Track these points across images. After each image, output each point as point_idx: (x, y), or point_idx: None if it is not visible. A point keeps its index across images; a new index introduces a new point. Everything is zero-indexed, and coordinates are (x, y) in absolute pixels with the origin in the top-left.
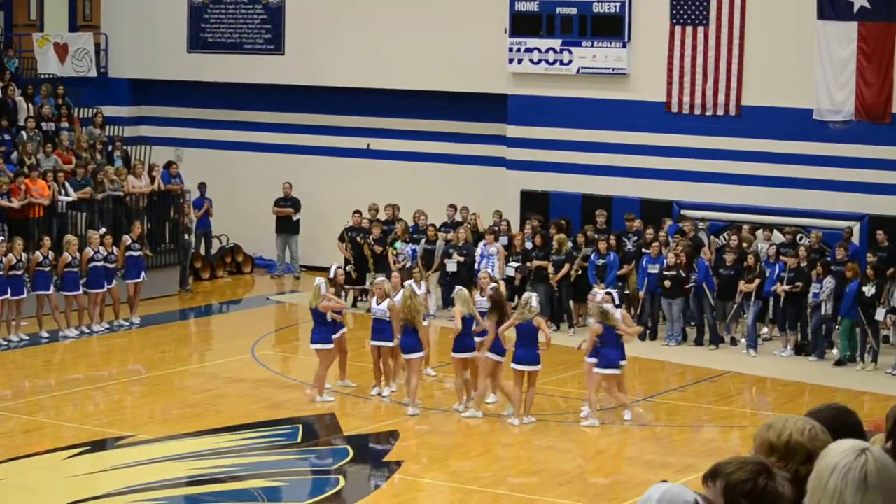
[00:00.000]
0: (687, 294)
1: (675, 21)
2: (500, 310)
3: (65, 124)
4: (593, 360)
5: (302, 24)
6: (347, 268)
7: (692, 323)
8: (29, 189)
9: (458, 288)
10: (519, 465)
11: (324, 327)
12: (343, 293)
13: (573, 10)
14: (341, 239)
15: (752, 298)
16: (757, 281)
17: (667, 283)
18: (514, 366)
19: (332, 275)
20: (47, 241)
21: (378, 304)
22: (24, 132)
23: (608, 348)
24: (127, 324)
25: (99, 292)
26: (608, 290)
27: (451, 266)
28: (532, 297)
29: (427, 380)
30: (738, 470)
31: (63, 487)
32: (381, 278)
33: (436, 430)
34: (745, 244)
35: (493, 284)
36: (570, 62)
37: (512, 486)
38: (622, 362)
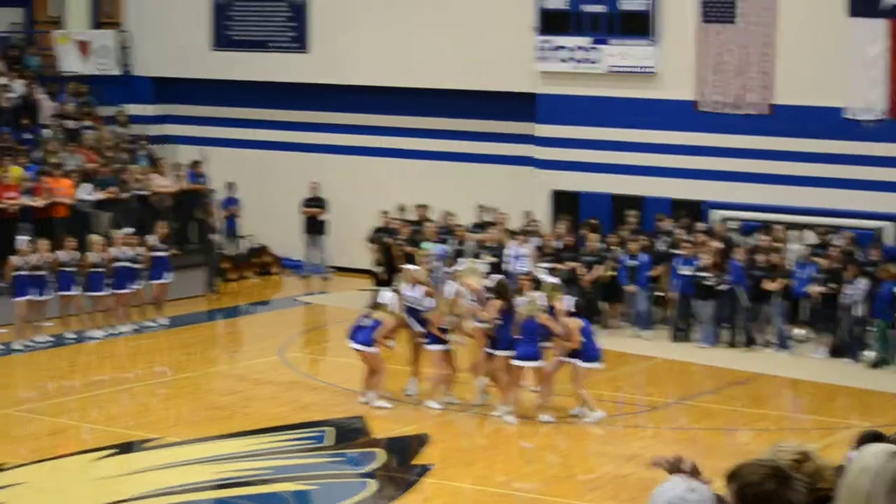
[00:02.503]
0: (720, 295)
1: (703, 18)
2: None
3: (88, 123)
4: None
5: (327, 22)
6: (377, 269)
7: (725, 325)
8: (52, 188)
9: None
10: (551, 468)
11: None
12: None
13: (601, 8)
14: (371, 239)
15: (779, 298)
16: (782, 280)
17: (706, 282)
18: (515, 362)
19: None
20: (71, 240)
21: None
22: (47, 130)
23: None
24: (153, 325)
25: (125, 293)
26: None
27: (483, 267)
28: (537, 297)
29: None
30: (751, 473)
31: (90, 490)
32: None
33: (466, 432)
34: (777, 244)
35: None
36: (598, 60)
37: (544, 490)
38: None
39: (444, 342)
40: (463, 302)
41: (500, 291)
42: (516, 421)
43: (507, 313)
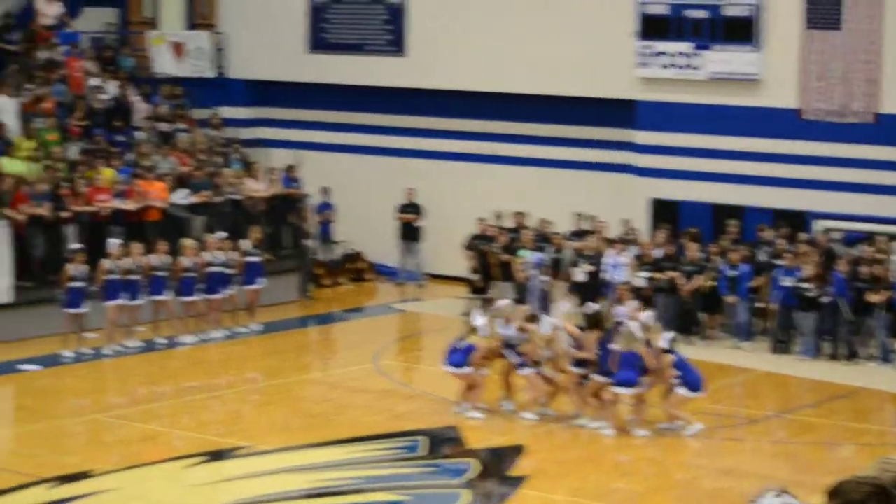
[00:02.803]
0: (822, 307)
1: (808, 25)
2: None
3: (181, 125)
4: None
5: (425, 26)
6: (473, 277)
7: (826, 337)
8: (145, 191)
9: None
10: (647, 480)
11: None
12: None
13: (704, 14)
14: (467, 247)
15: (883, 310)
16: (886, 292)
17: (808, 293)
18: (614, 389)
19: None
20: (163, 244)
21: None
22: (139, 133)
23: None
24: (246, 331)
25: (217, 298)
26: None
27: (579, 275)
28: (634, 328)
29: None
30: (853, 490)
31: (181, 497)
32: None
33: (561, 444)
34: (880, 255)
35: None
36: (700, 67)
37: (638, 502)
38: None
39: (536, 364)
40: (560, 339)
41: (596, 322)
42: (613, 433)
43: (604, 342)
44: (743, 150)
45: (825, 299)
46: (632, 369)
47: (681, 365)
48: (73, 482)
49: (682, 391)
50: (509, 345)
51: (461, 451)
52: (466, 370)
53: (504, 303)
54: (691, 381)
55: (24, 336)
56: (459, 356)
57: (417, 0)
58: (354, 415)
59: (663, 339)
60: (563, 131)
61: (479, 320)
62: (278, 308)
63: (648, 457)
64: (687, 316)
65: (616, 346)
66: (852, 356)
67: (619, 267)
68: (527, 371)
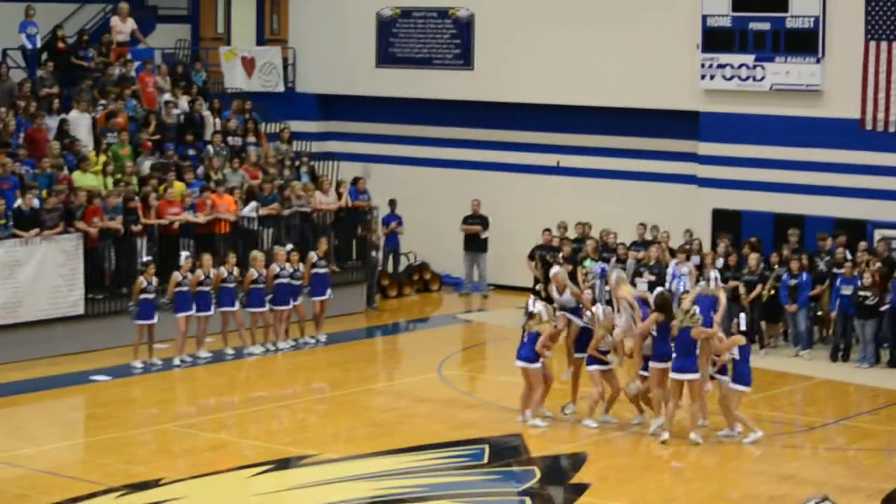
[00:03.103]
0: (881, 315)
1: (869, 36)
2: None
3: (251, 139)
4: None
5: (491, 39)
6: (537, 287)
7: (885, 345)
8: (215, 204)
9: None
10: (707, 487)
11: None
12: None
13: (766, 26)
14: (531, 257)
15: None
16: None
17: (867, 302)
18: (674, 375)
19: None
20: (233, 257)
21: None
22: (210, 147)
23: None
24: (313, 341)
25: (284, 309)
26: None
27: (642, 285)
28: (696, 308)
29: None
30: None
31: None
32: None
33: (624, 451)
34: None
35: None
36: (762, 78)
37: None
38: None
39: (603, 362)
40: (616, 319)
41: (663, 305)
42: (668, 436)
43: (665, 326)
44: (804, 160)
45: (885, 307)
46: (689, 354)
47: (744, 353)
48: (142, 491)
49: (730, 384)
50: (565, 308)
51: (525, 458)
52: (535, 366)
53: (557, 269)
54: (743, 373)
55: (95, 347)
56: (528, 349)
57: (484, 14)
58: (419, 424)
59: (741, 319)
60: (627, 143)
61: (536, 306)
62: (345, 319)
63: (707, 463)
64: (749, 325)
65: (673, 325)
66: None
67: (682, 277)
68: (593, 368)
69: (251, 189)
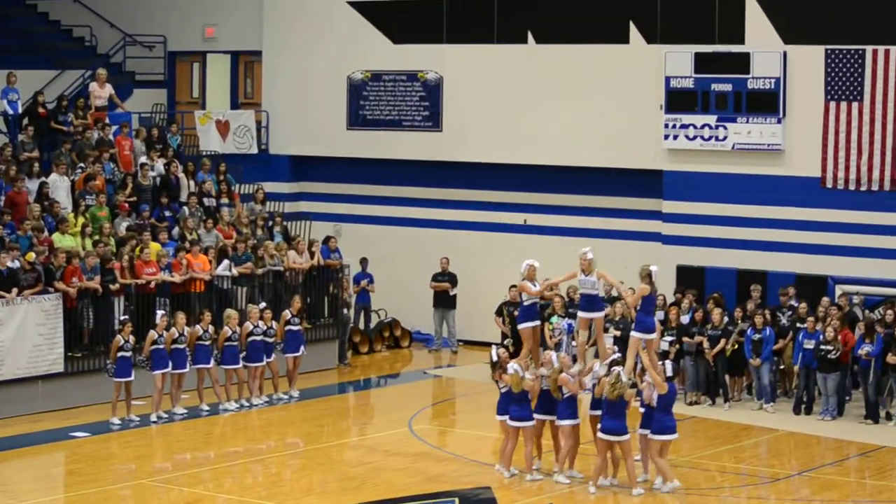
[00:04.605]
0: (843, 369)
1: (829, 97)
2: None
3: (225, 200)
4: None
5: (459, 101)
6: (505, 342)
7: (848, 398)
8: (190, 264)
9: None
10: None
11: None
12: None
13: (728, 87)
14: (498, 313)
15: None
16: None
17: (829, 356)
18: (601, 435)
19: (494, 359)
20: (208, 315)
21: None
22: (185, 208)
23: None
24: (286, 397)
25: (258, 366)
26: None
27: (608, 340)
28: (622, 372)
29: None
30: None
31: None
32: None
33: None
34: None
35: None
36: (725, 138)
37: None
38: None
39: (573, 417)
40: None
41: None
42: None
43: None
44: (766, 218)
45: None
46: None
47: (668, 400)
48: None
49: (651, 435)
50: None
51: None
52: (529, 423)
53: (528, 262)
54: (665, 423)
55: (74, 404)
56: (502, 402)
57: (452, 77)
58: (390, 477)
59: (667, 366)
60: (592, 201)
61: (497, 353)
62: (317, 375)
63: None
64: (713, 379)
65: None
66: (874, 417)
67: None
68: (565, 423)
69: (224, 248)
